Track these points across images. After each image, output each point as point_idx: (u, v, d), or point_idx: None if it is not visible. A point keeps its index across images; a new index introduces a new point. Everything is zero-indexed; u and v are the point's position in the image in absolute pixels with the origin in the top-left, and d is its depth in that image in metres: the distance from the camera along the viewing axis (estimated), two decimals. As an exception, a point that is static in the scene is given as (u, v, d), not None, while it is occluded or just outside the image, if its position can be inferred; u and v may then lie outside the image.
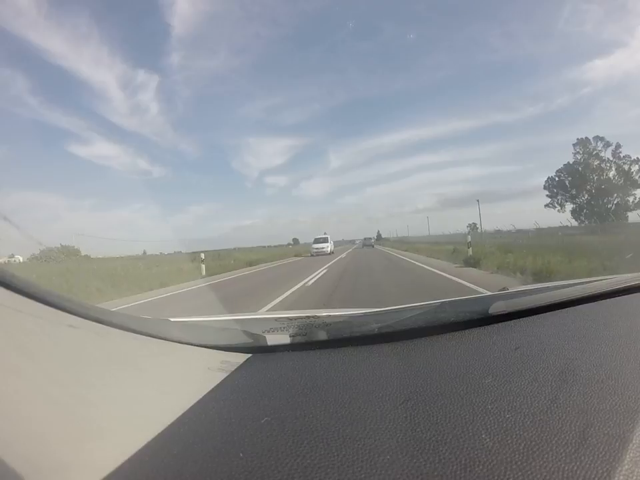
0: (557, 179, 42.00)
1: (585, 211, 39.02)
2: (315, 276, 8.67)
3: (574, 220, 35.61)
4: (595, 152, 38.61)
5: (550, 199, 42.61)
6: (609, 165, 38.16)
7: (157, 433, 0.41)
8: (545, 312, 0.79)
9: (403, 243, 35.21)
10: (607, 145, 38.16)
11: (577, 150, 39.45)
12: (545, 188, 43.23)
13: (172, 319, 0.77)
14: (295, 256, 25.85)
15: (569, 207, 41.04)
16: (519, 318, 0.76)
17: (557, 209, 42.73)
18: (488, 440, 0.38)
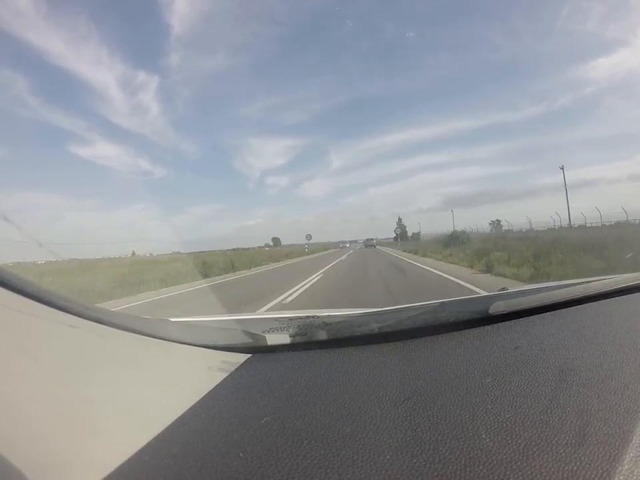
0: None
1: None
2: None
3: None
4: None
5: None
6: None
7: (157, 433, 0.41)
8: (545, 312, 0.79)
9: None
10: None
11: None
12: None
13: (172, 319, 0.77)
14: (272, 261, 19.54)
15: None
16: (518, 318, 0.76)
17: None
18: (488, 440, 0.38)
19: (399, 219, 67.63)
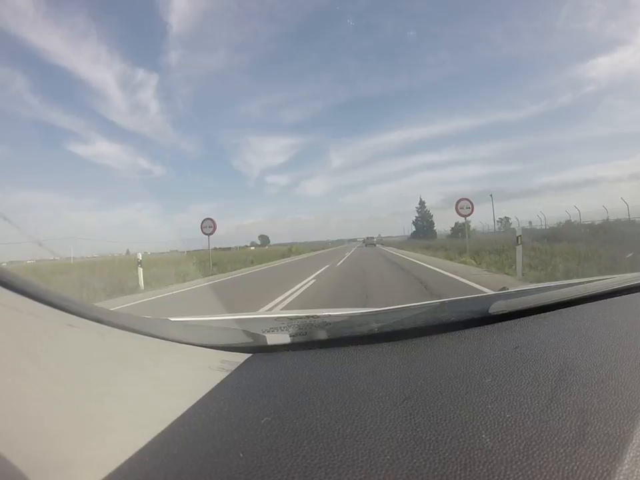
0: None
1: None
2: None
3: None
4: None
5: None
6: None
7: (157, 433, 0.41)
8: (545, 312, 0.79)
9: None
10: None
11: None
12: None
13: (172, 319, 0.77)
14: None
15: None
16: (518, 318, 0.76)
17: None
18: (488, 440, 0.38)
19: (421, 202, 45.45)
